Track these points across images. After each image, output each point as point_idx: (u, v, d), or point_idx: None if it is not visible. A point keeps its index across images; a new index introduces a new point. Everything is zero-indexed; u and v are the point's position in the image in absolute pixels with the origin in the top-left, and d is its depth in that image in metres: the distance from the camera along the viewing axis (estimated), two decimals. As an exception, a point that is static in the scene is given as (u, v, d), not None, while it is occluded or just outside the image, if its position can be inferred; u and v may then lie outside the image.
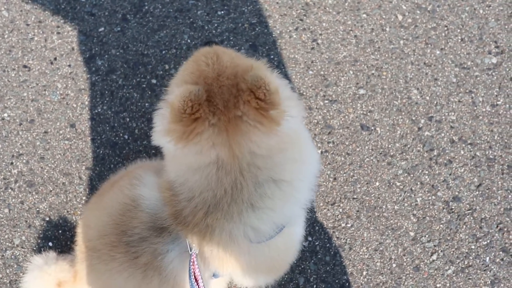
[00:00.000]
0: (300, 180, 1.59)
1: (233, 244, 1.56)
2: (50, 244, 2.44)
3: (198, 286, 1.59)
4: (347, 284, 2.34)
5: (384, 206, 2.46)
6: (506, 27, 2.82)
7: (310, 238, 2.40)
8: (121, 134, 2.65)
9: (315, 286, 2.33)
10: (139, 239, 1.69)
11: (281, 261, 1.83)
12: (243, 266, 1.68)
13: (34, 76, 2.81)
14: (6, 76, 2.81)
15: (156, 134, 1.53)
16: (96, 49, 2.85)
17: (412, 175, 2.51)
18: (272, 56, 2.79)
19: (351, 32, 2.84)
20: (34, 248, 2.42)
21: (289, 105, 1.48)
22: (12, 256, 2.42)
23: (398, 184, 2.50)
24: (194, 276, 1.61)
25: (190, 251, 1.62)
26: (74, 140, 2.65)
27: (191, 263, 1.62)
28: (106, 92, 2.75)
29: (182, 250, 1.66)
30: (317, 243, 2.39)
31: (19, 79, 2.80)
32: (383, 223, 2.43)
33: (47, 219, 2.49)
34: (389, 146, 2.57)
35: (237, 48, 2.80)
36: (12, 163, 2.60)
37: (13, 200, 2.52)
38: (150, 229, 1.68)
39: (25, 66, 2.83)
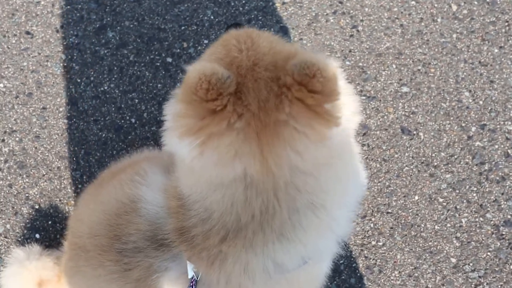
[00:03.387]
0: (341, 208, 1.26)
1: (247, 278, 1.24)
2: (37, 236, 2.14)
3: None
4: (373, 312, 2.01)
5: (422, 225, 2.12)
6: None
7: (334, 255, 2.07)
8: (127, 117, 2.34)
9: (336, 311, 2.01)
10: (134, 249, 1.39)
11: None
12: None
13: (37, 44, 2.50)
14: (6, 42, 2.51)
15: (167, 134, 1.19)
16: (108, 19, 2.54)
17: (457, 191, 2.16)
18: (304, 42, 2.45)
19: (396, 20, 2.48)
20: (19, 239, 2.13)
21: (345, 101, 1.14)
22: (-6, 247, 2.13)
23: (440, 200, 2.15)
24: None
25: (190, 275, 1.31)
26: (74, 119, 2.34)
27: None
28: (115, 68, 2.44)
29: (182, 271, 1.35)
30: (341, 262, 2.06)
31: (20, 46, 2.50)
32: (421, 245, 2.09)
33: (37, 207, 2.19)
34: (433, 155, 2.22)
35: (266, 29, 2.46)
36: (3, 140, 2.30)
37: (1, 182, 2.23)
38: (147, 239, 1.38)
39: (28, 33, 2.53)
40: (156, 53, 2.47)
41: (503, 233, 2.09)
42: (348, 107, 1.15)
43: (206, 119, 1.06)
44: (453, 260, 2.07)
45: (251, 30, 1.28)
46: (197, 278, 1.31)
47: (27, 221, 2.17)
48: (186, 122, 1.08)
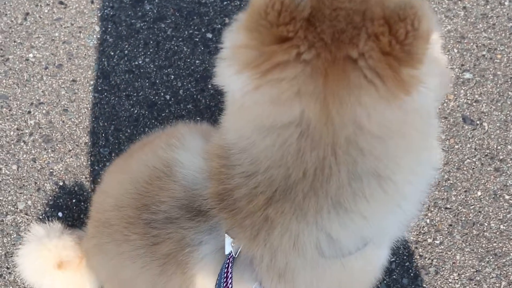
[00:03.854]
0: (412, 185, 1.04)
1: (296, 254, 1.04)
2: (60, 214, 1.97)
3: None
4: (428, 318, 1.78)
5: (486, 224, 1.88)
6: None
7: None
8: (162, 93, 2.17)
9: (386, 315, 1.79)
10: (165, 220, 1.21)
11: (361, 278, 1.28)
12: (302, 286, 1.15)
13: (70, 15, 2.35)
14: (38, 11, 2.37)
15: (222, 65, 0.99)
16: (146, -9, 2.38)
17: (526, 188, 1.93)
18: (357, 21, 2.25)
19: (459, 2, 2.27)
20: (40, 217, 1.97)
21: (433, 72, 0.93)
22: (13, 223, 1.97)
23: (507, 197, 1.92)
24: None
25: (227, 251, 1.12)
26: (105, 93, 2.18)
27: (225, 268, 1.13)
28: (151, 42, 2.27)
29: (219, 246, 1.17)
30: (393, 259, 1.84)
31: (52, 16, 2.36)
32: (484, 246, 1.86)
33: (61, 183, 2.02)
34: (499, 147, 1.99)
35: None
36: (29, 112, 2.15)
37: (24, 156, 2.07)
38: (181, 208, 1.19)
39: (61, 3, 2.38)
40: (196, 28, 2.29)
41: None
42: (435, 77, 0.94)
43: (273, 47, 0.87)
44: (521, 264, 1.83)
45: None
46: (235, 255, 1.12)
47: (50, 198, 2.00)
48: (249, 54, 0.89)
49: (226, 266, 1.13)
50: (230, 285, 1.11)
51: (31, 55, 2.27)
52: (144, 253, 1.25)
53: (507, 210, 1.89)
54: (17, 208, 1.99)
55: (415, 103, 0.92)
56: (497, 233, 1.87)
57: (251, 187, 1.04)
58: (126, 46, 2.28)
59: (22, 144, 2.10)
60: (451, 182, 1.95)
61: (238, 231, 1.10)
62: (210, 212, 1.15)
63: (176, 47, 2.26)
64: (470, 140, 2.01)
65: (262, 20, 0.85)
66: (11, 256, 1.90)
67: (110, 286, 1.56)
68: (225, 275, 1.12)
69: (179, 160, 1.24)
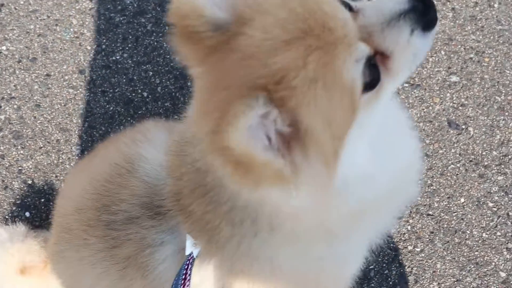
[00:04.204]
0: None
1: (252, 264, 1.00)
2: (27, 214, 1.90)
3: None
4: (406, 329, 1.72)
5: (468, 231, 1.83)
6: None
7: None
8: (139, 90, 2.10)
9: (363, 325, 1.73)
10: (125, 220, 1.15)
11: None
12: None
13: (47, 7, 2.27)
14: (14, 2, 2.29)
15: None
16: (126, -16, 2.31)
17: (511, 196, 1.87)
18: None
19: (448, 3, 2.21)
20: (6, 217, 1.89)
21: None
22: (-22, 222, 1.89)
23: (490, 205, 1.86)
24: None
25: (188, 252, 1.06)
26: (80, 89, 2.10)
27: (184, 270, 1.07)
28: (130, 37, 2.20)
29: (180, 247, 1.11)
30: (372, 267, 1.78)
31: (28, 8, 2.28)
32: (465, 254, 1.80)
33: (30, 182, 1.95)
34: (484, 153, 1.94)
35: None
36: (0, 107, 2.07)
37: (-8, 152, 2.00)
38: (142, 206, 1.13)
39: (38, -6, 2.30)
40: (176, 23, 2.22)
41: None
42: None
43: None
44: (503, 274, 1.77)
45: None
46: (195, 256, 1.05)
47: (18, 197, 1.92)
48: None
49: (185, 267, 1.07)
50: (189, 283, 1.05)
51: (4, 47, 2.19)
52: (103, 257, 1.19)
53: (490, 218, 1.84)
54: (-17, 207, 1.91)
55: None
56: (479, 241, 1.81)
57: (194, 188, 0.99)
58: (104, 40, 2.20)
59: (-9, 139, 2.02)
60: (434, 188, 1.89)
61: (197, 234, 1.04)
62: (170, 211, 1.08)
63: (155, 43, 2.19)
64: (455, 145, 1.95)
65: None
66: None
67: None
68: (183, 276, 1.06)
69: (143, 155, 1.17)
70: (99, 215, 1.17)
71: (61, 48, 2.19)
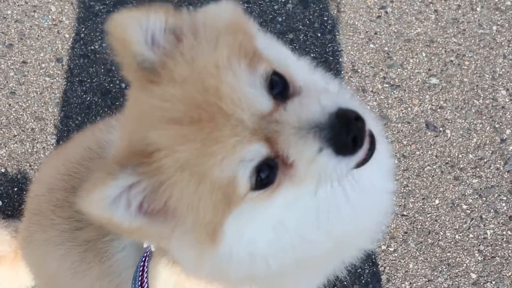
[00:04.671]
0: None
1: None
2: (0, 203, 1.86)
3: None
4: (377, 328, 1.73)
5: (441, 233, 1.84)
6: None
7: (337, 258, 1.79)
8: (117, 81, 2.07)
9: (334, 323, 1.73)
10: None
11: None
12: None
13: (26, -8, 2.23)
14: (-8, -14, 2.24)
15: None
16: (108, -28, 2.27)
17: (484, 199, 1.88)
18: (325, 18, 2.18)
19: (431, 5, 2.21)
20: (-23, 205, 1.85)
21: None
22: None
23: (464, 207, 1.88)
24: (141, 282, 1.07)
25: (146, 244, 1.05)
26: (57, 78, 2.07)
27: (141, 262, 1.08)
28: (110, 27, 2.16)
29: None
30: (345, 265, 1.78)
31: (6, -7, 2.23)
32: (437, 255, 1.81)
33: (3, 170, 1.91)
34: (460, 156, 1.95)
35: (282, 1, 2.19)
36: (-26, 93, 2.03)
37: (-35, 138, 1.96)
38: None
39: (17, -21, 2.26)
40: (158, 14, 2.20)
41: (535, 251, 1.81)
42: None
43: None
44: (473, 275, 1.78)
45: None
46: (152, 249, 1.05)
47: (-10, 185, 1.89)
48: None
49: (143, 259, 1.07)
50: (146, 279, 1.04)
51: (-20, 32, 2.15)
52: (66, 238, 1.20)
53: (464, 220, 1.85)
54: (-47, 194, 1.88)
55: None
56: (452, 243, 1.82)
57: None
58: (83, 29, 2.16)
59: (-37, 126, 1.98)
60: (410, 188, 1.89)
61: None
62: None
63: (135, 33, 2.16)
64: (432, 147, 1.96)
65: None
66: None
67: (38, 281, 1.47)
68: (141, 268, 1.06)
69: (114, 141, 1.16)
70: (67, 196, 1.18)
71: (38, 35, 2.14)
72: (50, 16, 2.18)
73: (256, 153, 0.76)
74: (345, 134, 0.76)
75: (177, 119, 0.76)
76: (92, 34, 2.15)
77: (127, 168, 0.74)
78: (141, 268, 1.07)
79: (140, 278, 1.07)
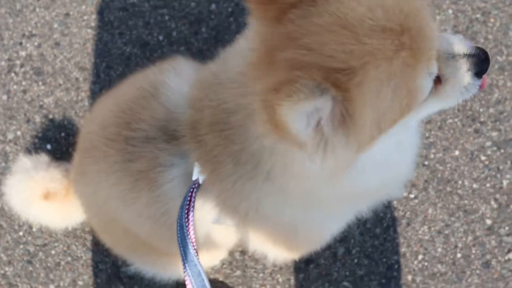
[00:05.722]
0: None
1: (242, 201, 1.14)
2: (49, 146, 2.02)
3: (188, 225, 1.18)
4: (396, 266, 1.88)
5: (460, 182, 1.96)
6: None
7: (361, 202, 1.92)
8: (155, 34, 2.18)
9: (356, 260, 1.88)
10: (143, 138, 1.25)
11: (299, 237, 1.37)
12: (251, 229, 1.27)
13: None
14: None
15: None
16: None
17: (502, 151, 1.99)
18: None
19: (458, -39, 2.26)
20: (29, 148, 2.01)
21: None
22: (2, 152, 2.01)
23: (483, 158, 1.99)
24: (187, 210, 1.19)
25: (194, 177, 1.18)
26: (99, 30, 2.18)
27: (189, 192, 1.19)
28: (147, -19, 2.26)
29: (188, 171, 1.22)
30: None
31: None
32: (455, 202, 1.94)
33: (50, 116, 2.06)
34: (481, 110, 2.05)
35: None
36: (21, 44, 2.16)
37: (15, 86, 2.09)
38: (160, 129, 1.23)
39: None
40: (192, -31, 2.28)
41: (548, 200, 1.93)
42: None
43: None
44: (488, 221, 1.91)
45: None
46: (200, 182, 1.18)
47: (39, 130, 2.04)
48: None
49: (191, 190, 1.19)
50: (192, 208, 1.17)
51: (25, -15, 2.26)
52: (118, 168, 1.29)
53: (482, 171, 1.97)
54: (6, 138, 2.03)
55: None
56: (470, 191, 1.95)
57: (214, 121, 1.10)
58: (122, -17, 2.26)
59: (13, 74, 2.11)
60: (431, 140, 2.01)
61: (203, 163, 1.16)
62: (183, 138, 1.19)
63: (171, -12, 2.25)
64: (454, 100, 2.06)
65: None
66: (-1, 184, 1.96)
67: (89, 213, 1.62)
68: (188, 198, 1.19)
69: (167, 82, 1.27)
70: (120, 131, 1.27)
71: (80, -12, 2.25)
72: (90, -30, 2.28)
73: (435, 69, 0.96)
74: (485, 63, 1.03)
75: (391, 27, 0.87)
76: (130, -13, 2.25)
77: (327, 92, 0.80)
78: (188, 198, 1.19)
79: (187, 207, 1.21)
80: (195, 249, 1.18)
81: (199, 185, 1.19)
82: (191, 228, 1.19)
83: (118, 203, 1.35)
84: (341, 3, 0.87)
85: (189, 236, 1.18)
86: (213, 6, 2.22)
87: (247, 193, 1.14)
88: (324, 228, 1.39)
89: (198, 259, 1.18)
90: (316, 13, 0.88)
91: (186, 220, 1.18)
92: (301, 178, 1.05)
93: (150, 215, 1.31)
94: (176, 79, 1.27)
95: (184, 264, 1.18)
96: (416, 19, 0.90)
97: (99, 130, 1.36)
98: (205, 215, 1.26)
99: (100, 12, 2.20)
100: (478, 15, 2.18)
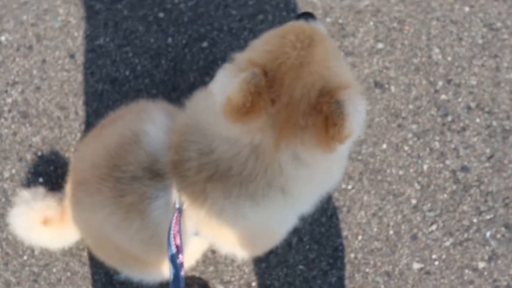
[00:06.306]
0: (306, 200, 1.55)
1: (221, 218, 1.49)
2: (41, 180, 2.38)
3: (175, 243, 1.53)
4: (340, 247, 2.27)
5: (388, 170, 2.35)
6: (545, -14, 2.59)
7: (308, 197, 2.31)
8: (122, 70, 2.53)
9: (307, 246, 2.27)
10: (131, 178, 1.59)
11: (262, 241, 1.81)
12: (226, 237, 1.62)
13: (35, -1, 2.65)
14: (6, -4, 2.65)
15: (215, 88, 1.36)
16: (102, -26, 2.67)
17: (422, 140, 2.38)
18: (287, -2, 2.60)
19: (375, -22, 2.62)
20: (24, 183, 2.37)
21: (350, 139, 1.32)
22: (1, 189, 2.37)
23: (406, 148, 2.38)
24: (174, 232, 1.54)
25: (177, 205, 1.54)
26: (72, 71, 2.53)
27: (174, 218, 1.54)
28: (110, 22, 2.60)
29: (170, 201, 1.58)
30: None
31: (19, 0, 2.65)
32: (385, 188, 2.33)
33: (39, 153, 2.42)
34: (402, 107, 2.43)
35: (251, -14, 2.60)
36: (6, 91, 2.50)
37: (6, 130, 2.45)
38: (145, 170, 1.58)
39: (25, -13, 2.67)
40: (149, 8, 2.62)
41: (459, 177, 2.33)
42: (350, 140, 1.35)
43: (249, 115, 1.28)
44: (413, 201, 2.31)
45: (317, 31, 1.41)
46: (182, 208, 1.54)
47: (31, 166, 2.40)
48: (232, 116, 1.29)
49: (175, 216, 1.54)
50: (178, 228, 1.53)
51: (3, 38, 2.59)
52: (112, 202, 1.62)
53: (406, 159, 2.36)
54: (3, 176, 2.39)
55: (335, 154, 1.37)
56: (397, 177, 2.34)
57: (201, 163, 1.45)
58: (88, 27, 2.60)
59: (2, 120, 2.46)
60: (363, 138, 2.39)
61: (183, 193, 1.52)
62: (166, 175, 1.55)
63: (132, 27, 2.59)
64: (380, 102, 2.44)
65: (241, 109, 1.26)
66: (2, 217, 2.32)
67: (85, 235, 1.98)
68: (174, 220, 1.53)
69: (147, 131, 1.61)
70: (111, 172, 1.59)
71: (52, 36, 2.59)
72: (59, 18, 2.61)
73: None
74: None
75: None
76: (96, 30, 2.59)
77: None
78: (174, 222, 1.52)
79: (173, 231, 1.53)
80: (181, 264, 1.53)
81: (181, 210, 1.55)
82: (178, 246, 1.53)
83: (112, 230, 1.69)
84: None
85: (177, 256, 1.53)
86: (170, 39, 2.57)
87: (226, 212, 1.49)
88: (285, 225, 1.76)
89: (182, 272, 1.53)
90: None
91: (174, 241, 1.53)
92: (308, 179, 1.44)
93: (141, 238, 1.66)
94: (153, 128, 1.61)
95: (172, 280, 1.54)
96: None
97: (91, 169, 1.67)
98: (187, 229, 1.63)
99: (72, 56, 2.55)
100: (395, 24, 2.55)
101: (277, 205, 1.47)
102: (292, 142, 1.31)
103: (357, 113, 1.26)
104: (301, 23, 1.44)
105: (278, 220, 1.60)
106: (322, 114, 1.27)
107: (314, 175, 1.42)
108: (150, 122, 1.64)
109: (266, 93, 1.28)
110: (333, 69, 1.32)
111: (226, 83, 1.29)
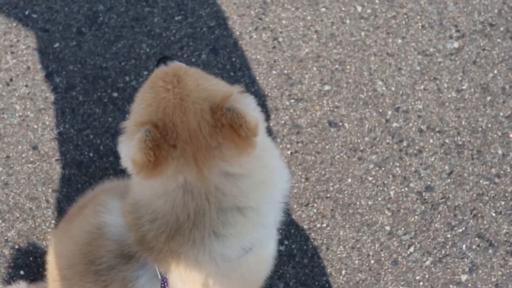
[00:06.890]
0: (267, 204, 1.56)
1: (201, 268, 1.53)
2: (22, 272, 2.37)
3: None
4: (327, 285, 2.32)
5: (358, 203, 2.44)
6: (465, 9, 2.81)
7: (286, 242, 2.37)
8: (86, 152, 2.59)
9: (295, 290, 2.31)
10: (108, 268, 1.65)
11: (253, 279, 1.80)
12: (215, 287, 1.65)
13: (-9, 99, 2.71)
14: (-38, 102, 2.71)
15: (123, 160, 1.48)
16: (53, 66, 2.77)
17: (383, 169, 2.49)
18: (234, 59, 2.74)
19: (311, 27, 2.80)
20: (6, 278, 2.36)
21: (259, 135, 1.43)
22: (-17, 289, 2.35)
23: (370, 178, 2.48)
24: None
25: (160, 276, 1.58)
26: (38, 162, 2.57)
27: (162, 285, 1.58)
28: (67, 110, 2.68)
29: (152, 275, 1.62)
30: (293, 246, 2.36)
31: (-25, 104, 2.71)
32: (358, 220, 2.41)
33: (17, 247, 2.42)
34: (358, 141, 2.55)
35: (197, 53, 2.74)
36: (-25, 193, 2.52)
37: (-21, 230, 2.45)
38: (117, 256, 1.64)
39: (-20, 90, 2.74)
40: (102, 90, 2.72)
41: (426, 197, 2.43)
42: (262, 128, 1.46)
43: (157, 168, 1.36)
44: (387, 228, 2.39)
45: (178, 67, 1.55)
46: (165, 276, 1.58)
47: (10, 261, 2.39)
48: (143, 173, 1.36)
49: (162, 285, 1.59)
50: None
51: (-36, 142, 2.63)
52: None
53: (372, 189, 2.46)
54: (-16, 276, 2.37)
55: (258, 149, 1.44)
56: (367, 208, 2.43)
57: (155, 230, 1.51)
58: (46, 117, 2.67)
59: (-25, 221, 2.47)
60: (328, 176, 2.49)
61: (159, 263, 1.57)
62: (137, 254, 1.61)
63: (89, 110, 2.68)
64: (337, 139, 2.56)
65: (147, 166, 1.34)
66: (-11, 316, 2.29)
67: None
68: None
69: (106, 222, 1.69)
70: (88, 267, 1.66)
71: (12, 132, 2.64)
72: (17, 114, 2.68)
73: None
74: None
75: None
76: (54, 119, 2.66)
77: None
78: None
79: None
80: None
81: (165, 278, 1.59)
82: None
83: None
84: None
85: None
86: (127, 117, 2.65)
87: (201, 260, 1.52)
88: (267, 240, 1.75)
89: None
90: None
91: None
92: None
93: None
94: (110, 217, 1.69)
95: None
96: None
97: (69, 268, 1.73)
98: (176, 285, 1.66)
99: (35, 147, 2.60)
100: (337, 66, 2.71)
101: (244, 227, 1.50)
102: (213, 163, 1.39)
103: (248, 105, 1.42)
104: (162, 69, 1.57)
105: (256, 241, 1.60)
106: (225, 126, 1.38)
107: (255, 177, 1.48)
108: (106, 212, 1.73)
109: (165, 141, 1.38)
110: (209, 88, 1.44)
111: (127, 150, 1.39)
